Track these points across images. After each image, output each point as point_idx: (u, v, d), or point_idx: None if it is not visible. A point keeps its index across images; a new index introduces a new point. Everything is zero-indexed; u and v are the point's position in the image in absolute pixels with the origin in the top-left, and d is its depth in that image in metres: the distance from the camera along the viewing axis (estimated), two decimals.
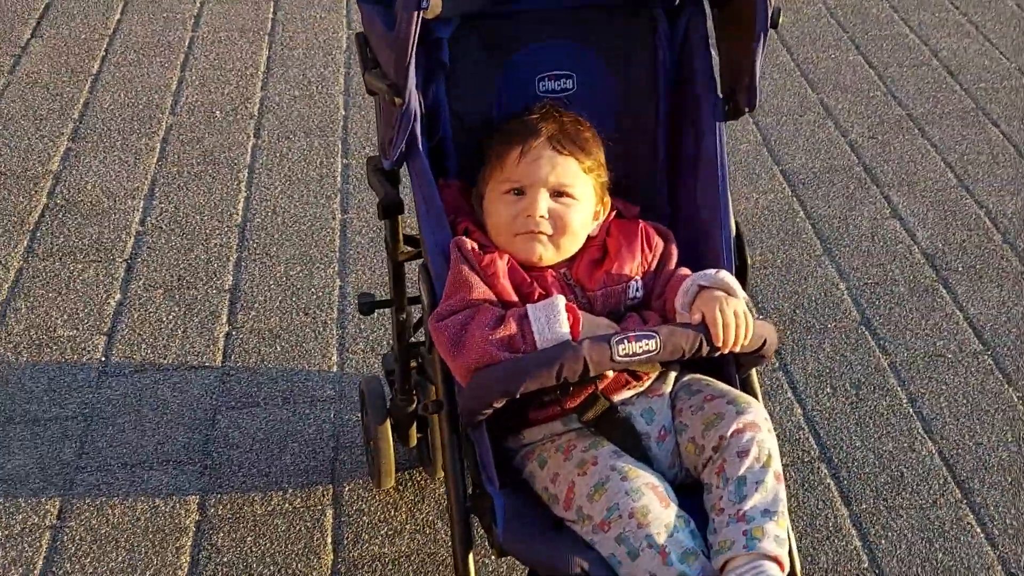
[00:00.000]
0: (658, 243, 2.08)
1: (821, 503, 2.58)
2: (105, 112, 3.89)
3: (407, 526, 2.52)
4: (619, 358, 1.78)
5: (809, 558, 2.45)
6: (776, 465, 1.87)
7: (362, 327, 3.03)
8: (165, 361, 2.93)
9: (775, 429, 2.74)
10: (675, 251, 2.08)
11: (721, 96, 2.13)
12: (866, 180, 3.64)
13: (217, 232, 3.36)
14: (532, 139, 2.01)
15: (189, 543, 2.47)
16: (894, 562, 2.45)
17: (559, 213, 2.01)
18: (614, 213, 2.13)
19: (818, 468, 2.67)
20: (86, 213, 3.43)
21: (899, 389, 2.88)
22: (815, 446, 2.73)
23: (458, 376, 1.90)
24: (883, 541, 2.49)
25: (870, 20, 4.58)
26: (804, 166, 3.71)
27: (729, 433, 1.88)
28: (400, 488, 2.61)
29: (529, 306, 1.89)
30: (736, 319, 1.84)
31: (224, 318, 3.06)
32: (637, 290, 2.03)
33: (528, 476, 1.98)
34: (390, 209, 2.11)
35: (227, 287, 3.16)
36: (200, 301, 3.11)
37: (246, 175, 3.60)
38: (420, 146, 2.03)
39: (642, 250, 2.06)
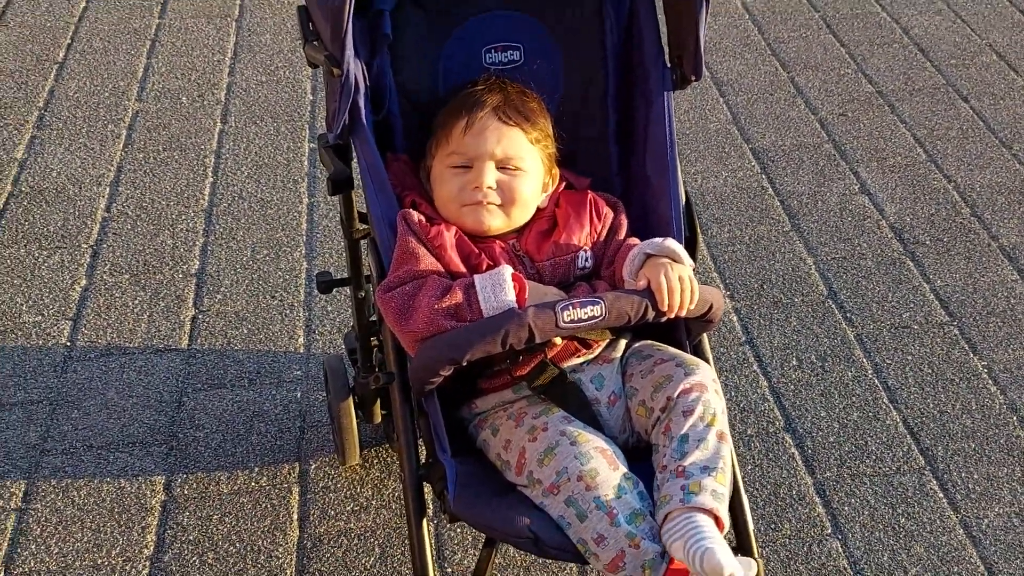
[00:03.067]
0: (607, 213, 2.08)
1: (786, 472, 2.59)
2: (71, 100, 3.88)
3: (373, 502, 2.52)
4: (564, 324, 1.78)
5: (773, 525, 2.46)
6: (720, 425, 1.88)
7: (328, 308, 3.03)
8: (131, 345, 2.92)
9: (741, 401, 2.78)
10: (625, 221, 2.09)
11: (668, 65, 2.13)
12: (835, 157, 3.65)
13: (183, 217, 3.35)
14: (477, 111, 2.01)
15: (155, 523, 2.47)
16: (857, 528, 2.46)
17: (507, 184, 2.01)
18: (563, 184, 2.13)
19: (783, 438, 2.67)
20: (51, 200, 3.42)
21: (865, 360, 2.89)
22: (780, 417, 2.73)
23: (406, 346, 1.90)
24: (846, 508, 2.50)
25: None
26: (774, 144, 3.71)
27: (676, 393, 1.89)
28: (366, 465, 2.61)
29: (476, 276, 1.89)
30: (681, 284, 1.85)
31: (190, 302, 3.06)
32: (586, 260, 2.03)
33: (482, 444, 1.98)
34: (339, 185, 2.10)
35: (193, 271, 3.16)
36: (166, 285, 3.11)
37: (213, 160, 3.59)
38: (364, 119, 2.03)
39: (591, 220, 2.06)
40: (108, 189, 3.46)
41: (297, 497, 2.54)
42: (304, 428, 2.71)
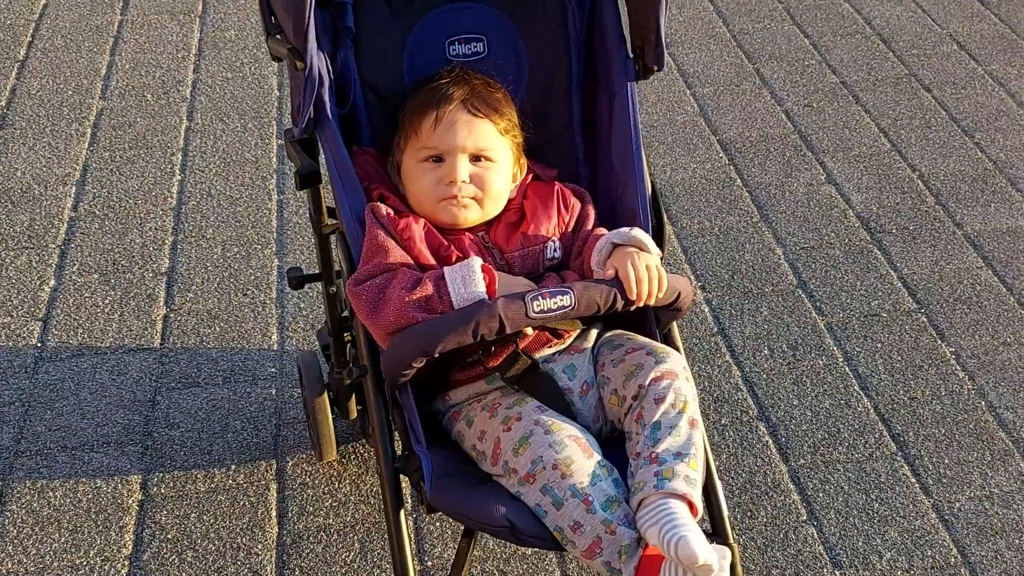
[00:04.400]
0: (575, 204, 2.10)
1: (760, 461, 2.62)
2: (33, 98, 3.84)
3: (351, 497, 2.52)
4: (534, 314, 1.79)
5: (749, 514, 2.49)
6: (692, 412, 1.90)
7: (301, 305, 3.02)
8: (103, 345, 2.90)
9: (714, 391, 2.81)
10: (592, 212, 2.10)
11: (631, 55, 2.15)
12: (802, 147, 3.69)
13: (152, 216, 3.33)
14: (445, 104, 2.02)
15: (132, 522, 2.46)
16: (832, 514, 2.49)
17: (480, 176, 2.02)
18: (531, 176, 2.14)
19: (756, 427, 2.70)
20: (17, 200, 3.38)
21: (835, 348, 2.92)
22: (753, 406, 2.76)
23: (378, 339, 1.91)
24: (821, 495, 2.53)
25: None
26: (741, 135, 3.74)
27: (648, 381, 1.91)
28: (344, 460, 2.61)
29: (446, 268, 1.90)
30: (648, 273, 1.86)
31: (161, 301, 3.04)
32: (555, 251, 2.04)
33: (457, 436, 2.00)
34: (306, 179, 2.10)
35: (163, 270, 3.14)
36: (136, 285, 3.09)
37: (180, 158, 3.57)
38: (329, 112, 2.02)
39: (558, 211, 2.07)
40: (74, 188, 3.43)
41: (275, 494, 2.53)
42: (280, 425, 2.70)
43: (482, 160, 2.03)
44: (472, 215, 2.03)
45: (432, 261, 1.96)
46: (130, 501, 2.51)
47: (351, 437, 2.66)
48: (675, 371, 1.93)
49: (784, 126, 3.79)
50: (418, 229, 1.98)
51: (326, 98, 2.02)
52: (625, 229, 1.97)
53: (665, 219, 2.08)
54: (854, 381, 2.83)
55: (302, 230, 3.28)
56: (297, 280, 2.41)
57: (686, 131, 3.76)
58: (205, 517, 2.47)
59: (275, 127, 3.72)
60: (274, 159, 3.57)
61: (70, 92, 3.86)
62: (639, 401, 1.91)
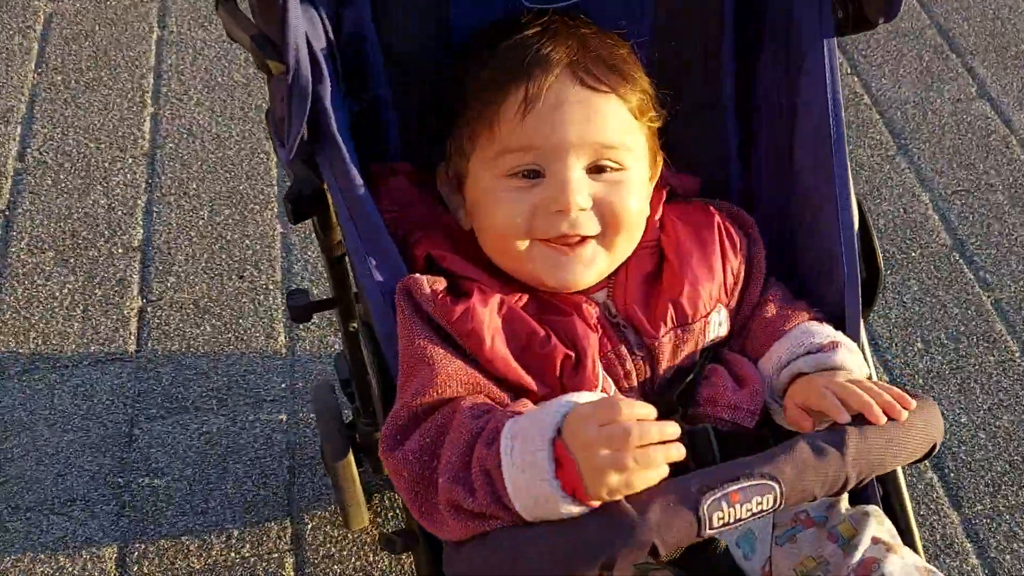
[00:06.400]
0: (739, 243, 1.39)
1: (927, 510, 1.99)
2: None
3: (389, 572, 1.93)
4: (711, 531, 1.09)
5: None
6: None
7: (315, 291, 2.36)
8: (62, 353, 2.27)
9: None
10: (762, 257, 1.39)
11: None
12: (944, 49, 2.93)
13: (119, 165, 2.63)
14: (541, 73, 1.27)
15: None
16: None
17: (607, 198, 1.29)
18: (666, 191, 1.42)
19: (920, 469, 2.07)
20: None
21: (1009, 338, 2.26)
22: None
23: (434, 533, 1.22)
24: (1008, 556, 1.92)
25: None
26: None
27: None
28: (379, 519, 2.00)
29: (503, 460, 1.12)
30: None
31: (135, 288, 2.38)
32: (720, 325, 1.34)
33: None
34: (303, 209, 1.38)
35: (136, 244, 2.46)
36: (102, 265, 2.42)
37: (151, 81, 2.83)
38: (334, 125, 1.29)
39: (723, 257, 1.36)
40: (19, 128, 2.72)
41: (292, 572, 1.94)
42: (294, 469, 2.09)
43: (608, 170, 1.30)
44: (595, 270, 1.30)
45: (518, 371, 1.23)
46: None
47: (386, 484, 2.05)
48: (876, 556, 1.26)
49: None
50: (489, 313, 1.25)
51: (327, 101, 1.28)
52: (819, 336, 1.28)
53: (881, 265, 1.36)
54: None
55: None
56: (302, 310, 1.71)
57: None
58: None
59: None
60: None
61: None
62: None
